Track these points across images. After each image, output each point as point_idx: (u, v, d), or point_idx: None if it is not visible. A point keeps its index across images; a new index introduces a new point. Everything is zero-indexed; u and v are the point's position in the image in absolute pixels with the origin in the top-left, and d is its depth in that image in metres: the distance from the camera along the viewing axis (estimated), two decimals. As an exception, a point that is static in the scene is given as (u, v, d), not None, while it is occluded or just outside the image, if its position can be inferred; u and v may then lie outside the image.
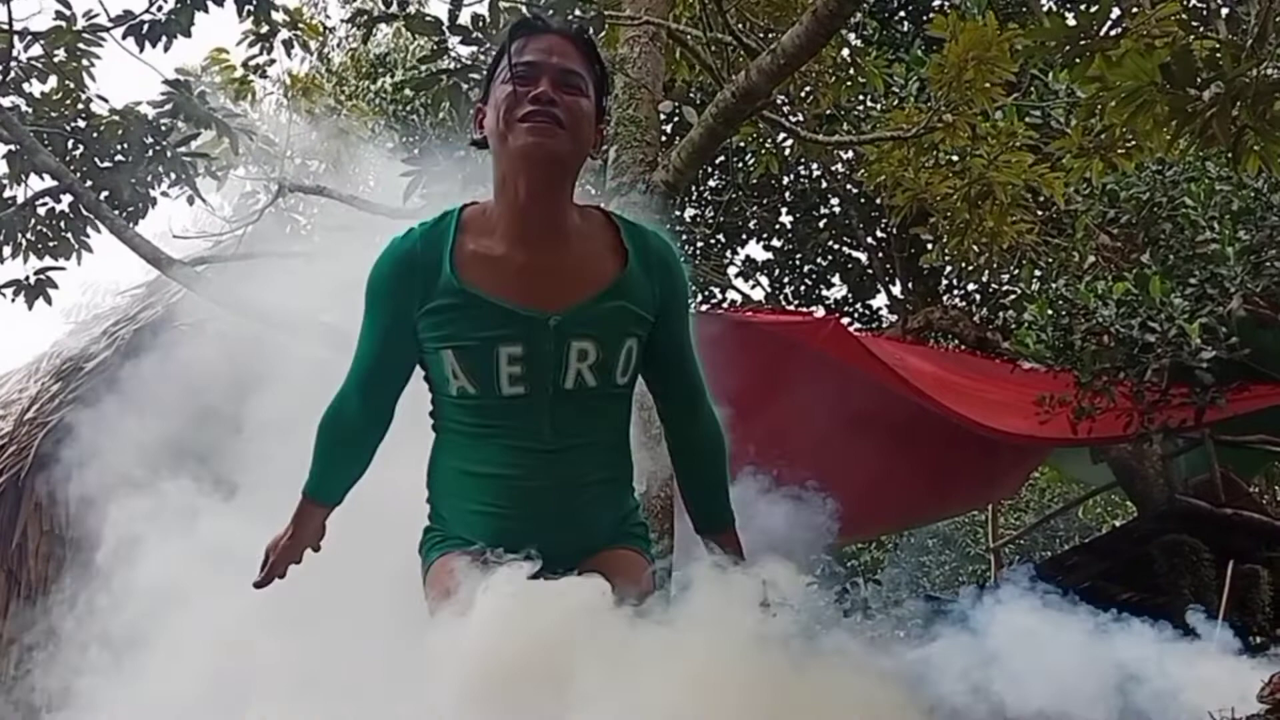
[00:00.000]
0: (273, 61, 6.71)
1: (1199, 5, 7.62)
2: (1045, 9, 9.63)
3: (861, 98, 7.85)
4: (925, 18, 8.79)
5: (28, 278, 6.17)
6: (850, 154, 9.80)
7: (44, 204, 6.11)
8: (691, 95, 8.30)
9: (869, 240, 11.75)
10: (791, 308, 11.90)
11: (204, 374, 5.90)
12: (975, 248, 6.78)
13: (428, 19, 5.11)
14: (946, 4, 10.75)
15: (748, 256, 12.55)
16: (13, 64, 5.67)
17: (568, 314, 1.96)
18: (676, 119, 8.78)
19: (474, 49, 5.30)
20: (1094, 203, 6.63)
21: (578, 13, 4.99)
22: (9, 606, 6.56)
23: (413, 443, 2.14)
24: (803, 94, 7.05)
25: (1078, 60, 3.79)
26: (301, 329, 5.15)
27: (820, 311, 11.83)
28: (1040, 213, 7.46)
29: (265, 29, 6.44)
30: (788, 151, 8.86)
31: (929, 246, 7.85)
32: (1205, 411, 6.23)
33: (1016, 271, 7.40)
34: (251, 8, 6.01)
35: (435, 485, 2.14)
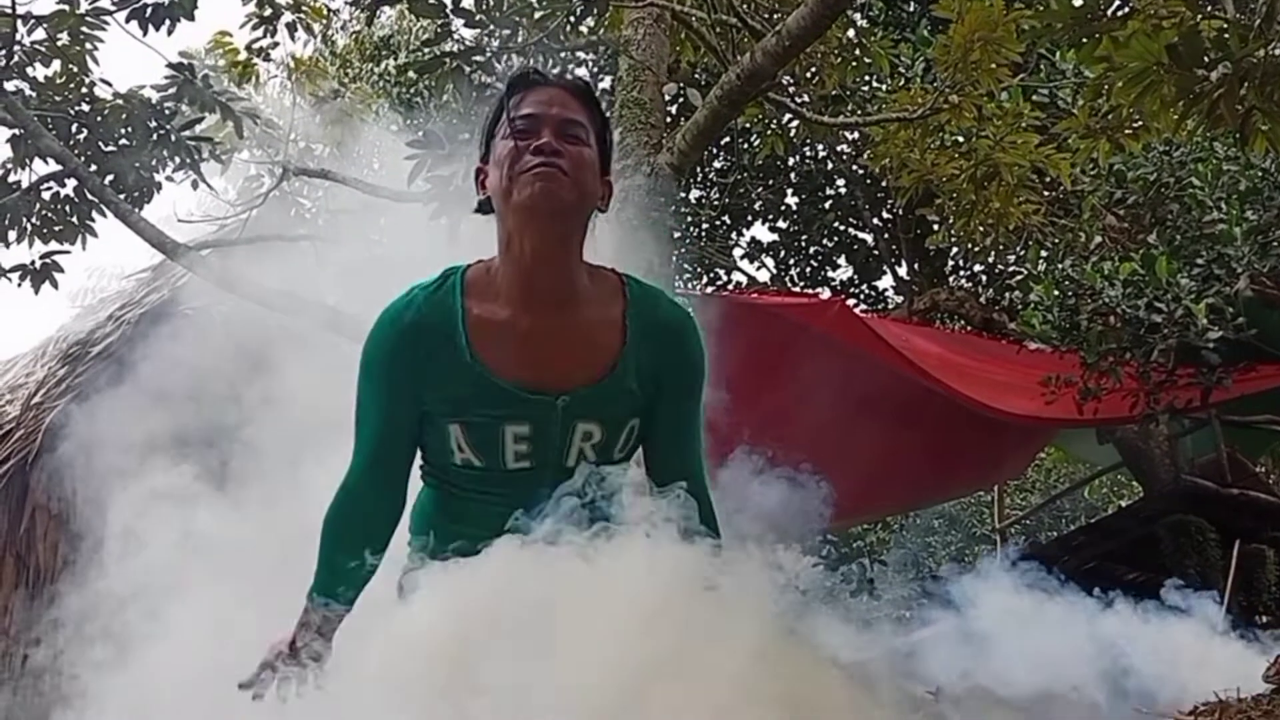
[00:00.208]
0: (276, 44, 6.71)
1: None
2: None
3: (867, 78, 7.82)
4: (931, -2, 8.74)
5: (33, 262, 6.18)
6: (856, 135, 9.76)
7: (48, 188, 6.11)
8: (696, 77, 8.27)
9: (875, 222, 11.71)
10: (797, 289, 11.88)
11: (209, 358, 5.92)
12: (981, 229, 6.77)
13: (431, 1, 5.08)
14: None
15: (753, 238, 12.53)
16: (16, 48, 5.66)
17: (575, 397, 1.92)
18: (681, 101, 8.78)
19: (478, 31, 5.29)
20: (1101, 183, 6.60)
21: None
22: (17, 591, 6.59)
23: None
24: (808, 75, 7.02)
25: (1085, 41, 3.77)
26: (306, 313, 5.15)
27: (826, 293, 11.81)
28: (1047, 193, 7.43)
29: (269, 11, 6.43)
30: (793, 133, 8.83)
31: (935, 228, 7.84)
32: (1212, 392, 6.22)
33: (1023, 252, 7.37)
34: (255, -10, 6.01)
35: (421, 535, 2.03)
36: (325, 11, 7.64)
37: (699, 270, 11.13)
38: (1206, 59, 3.39)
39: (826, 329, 6.74)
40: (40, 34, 5.79)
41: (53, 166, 5.91)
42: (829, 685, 1.49)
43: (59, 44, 5.86)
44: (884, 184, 9.11)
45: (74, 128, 6.10)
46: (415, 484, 2.06)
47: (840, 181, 11.80)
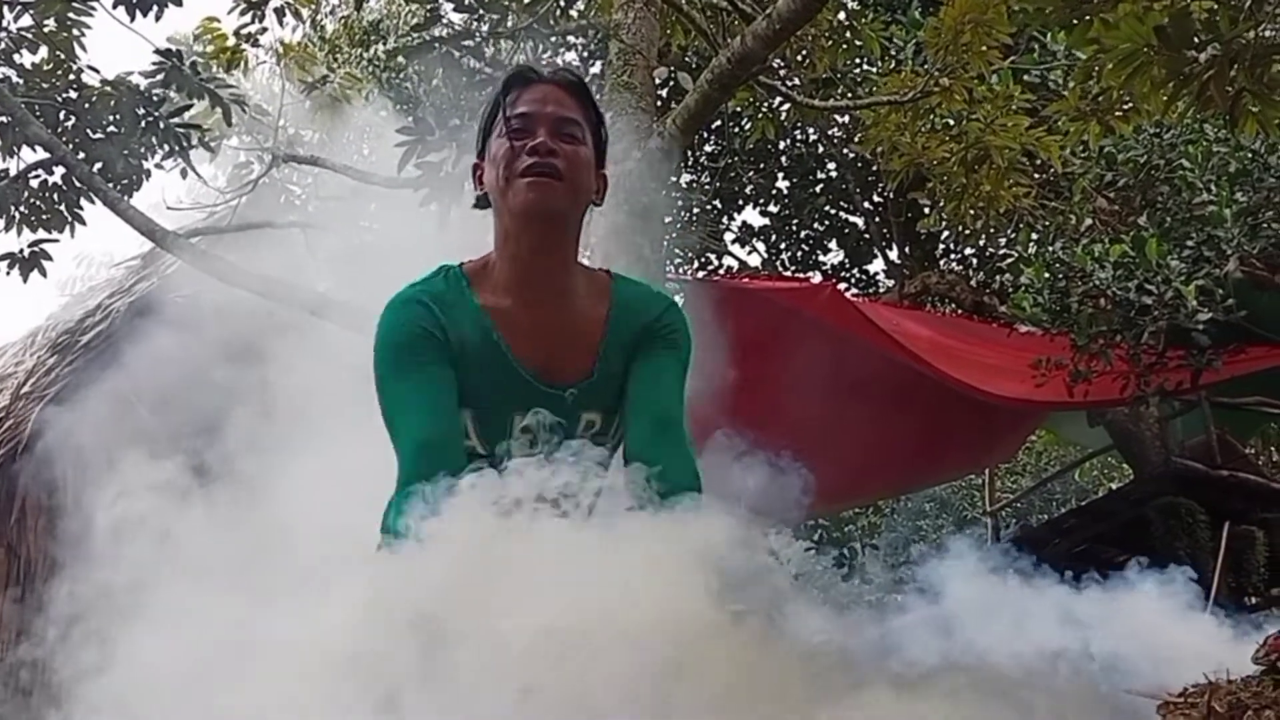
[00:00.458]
0: (265, 30, 6.66)
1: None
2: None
3: (858, 62, 7.81)
4: (922, -20, 8.72)
5: (22, 251, 6.16)
6: (847, 119, 9.75)
7: (36, 176, 6.09)
8: (687, 61, 8.24)
9: (866, 205, 11.71)
10: (788, 274, 11.88)
11: (199, 346, 5.90)
12: (972, 212, 6.77)
13: (420, -14, 5.07)
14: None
15: (744, 222, 12.51)
16: (2, 34, 5.63)
17: (579, 389, 1.95)
18: (671, 85, 8.74)
19: (467, 16, 5.27)
20: (1091, 166, 6.61)
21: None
22: (8, 581, 6.58)
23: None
24: (799, 58, 7.00)
25: (1076, 23, 3.76)
26: (297, 299, 5.14)
27: (817, 277, 11.81)
28: (1037, 176, 7.43)
29: (256, -3, 6.39)
30: (784, 117, 8.82)
31: (926, 211, 7.83)
32: (1202, 374, 6.25)
33: (1013, 235, 7.38)
34: (242, -25, 5.97)
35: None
36: (313, -4, 7.61)
37: (690, 255, 11.11)
38: (1196, 40, 3.38)
39: (818, 313, 6.75)
40: (27, 20, 5.77)
41: (41, 154, 5.89)
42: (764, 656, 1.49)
43: (46, 30, 5.83)
44: (875, 168, 9.10)
45: (62, 115, 6.07)
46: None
47: (831, 165, 11.79)
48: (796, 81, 7.24)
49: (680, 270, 9.37)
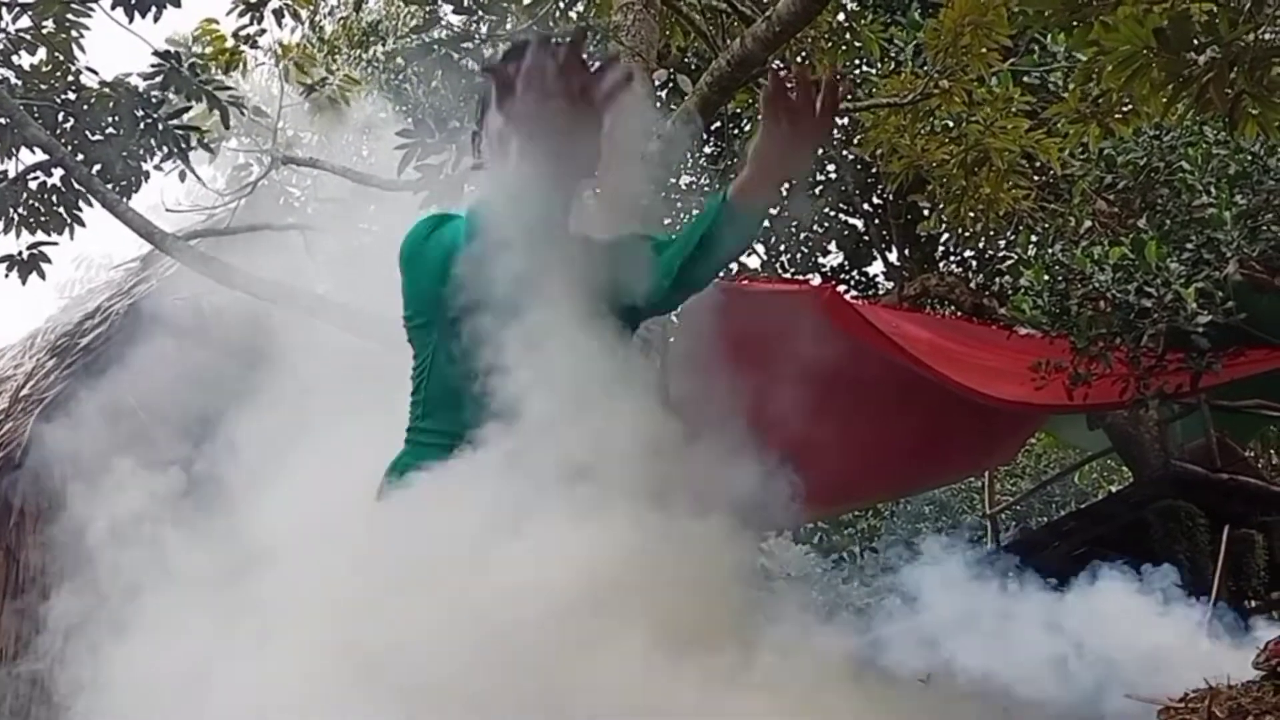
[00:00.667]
0: (263, 31, 6.67)
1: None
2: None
3: (858, 63, 7.80)
4: (921, -18, 8.72)
5: (21, 253, 6.15)
6: (846, 121, 9.74)
7: (35, 178, 6.08)
8: (686, 63, 8.24)
9: (865, 207, 11.70)
10: (787, 276, 11.87)
11: (198, 348, 5.89)
12: (971, 214, 6.76)
13: (419, -12, 5.06)
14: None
15: (743, 224, 12.50)
16: (1, 35, 5.62)
17: None
18: (671, 86, 8.73)
19: (466, 17, 5.27)
20: (1091, 168, 6.59)
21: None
22: (7, 584, 6.56)
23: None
24: (798, 60, 7.00)
25: (1075, 25, 3.76)
26: (296, 301, 5.13)
27: (816, 279, 11.80)
28: (1037, 178, 7.42)
29: (255, -1, 6.40)
30: (783, 118, 8.79)
31: (925, 213, 7.82)
32: (1201, 377, 6.23)
33: (1013, 237, 7.38)
34: (241, -23, 5.97)
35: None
36: (313, -2, 7.60)
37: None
38: (1196, 43, 3.38)
39: (817, 315, 6.74)
40: (25, 21, 5.76)
41: (39, 156, 5.88)
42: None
43: (44, 31, 5.82)
44: (874, 170, 9.08)
45: (60, 116, 6.06)
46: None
47: (831, 167, 11.78)
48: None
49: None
